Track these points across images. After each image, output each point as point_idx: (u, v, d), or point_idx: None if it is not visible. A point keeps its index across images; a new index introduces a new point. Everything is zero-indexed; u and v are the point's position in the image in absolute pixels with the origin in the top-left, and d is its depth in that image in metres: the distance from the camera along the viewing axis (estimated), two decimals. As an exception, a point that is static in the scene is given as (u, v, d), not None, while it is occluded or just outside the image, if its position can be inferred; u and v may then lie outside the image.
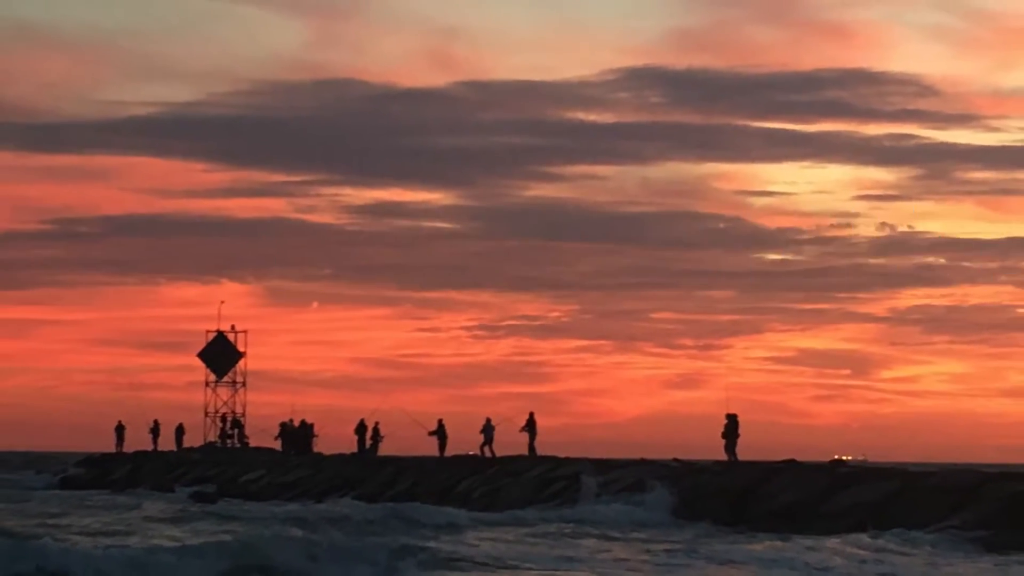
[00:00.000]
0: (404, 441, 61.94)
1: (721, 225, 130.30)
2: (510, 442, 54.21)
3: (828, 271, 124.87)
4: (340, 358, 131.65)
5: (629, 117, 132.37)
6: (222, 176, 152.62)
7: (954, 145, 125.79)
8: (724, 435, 46.53)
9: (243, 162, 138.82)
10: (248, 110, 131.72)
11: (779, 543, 31.76)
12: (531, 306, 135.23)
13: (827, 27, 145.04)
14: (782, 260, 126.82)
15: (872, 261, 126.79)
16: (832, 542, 31.64)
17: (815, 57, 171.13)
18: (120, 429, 74.25)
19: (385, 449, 62.24)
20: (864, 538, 32.58)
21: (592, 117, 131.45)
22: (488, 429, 54.72)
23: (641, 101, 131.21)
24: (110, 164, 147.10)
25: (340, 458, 61.40)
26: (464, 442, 56.80)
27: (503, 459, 52.22)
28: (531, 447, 53.13)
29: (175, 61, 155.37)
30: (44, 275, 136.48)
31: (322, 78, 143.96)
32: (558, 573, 25.95)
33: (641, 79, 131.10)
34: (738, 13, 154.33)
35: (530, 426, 53.54)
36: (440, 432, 57.31)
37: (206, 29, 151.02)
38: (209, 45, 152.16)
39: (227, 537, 28.62)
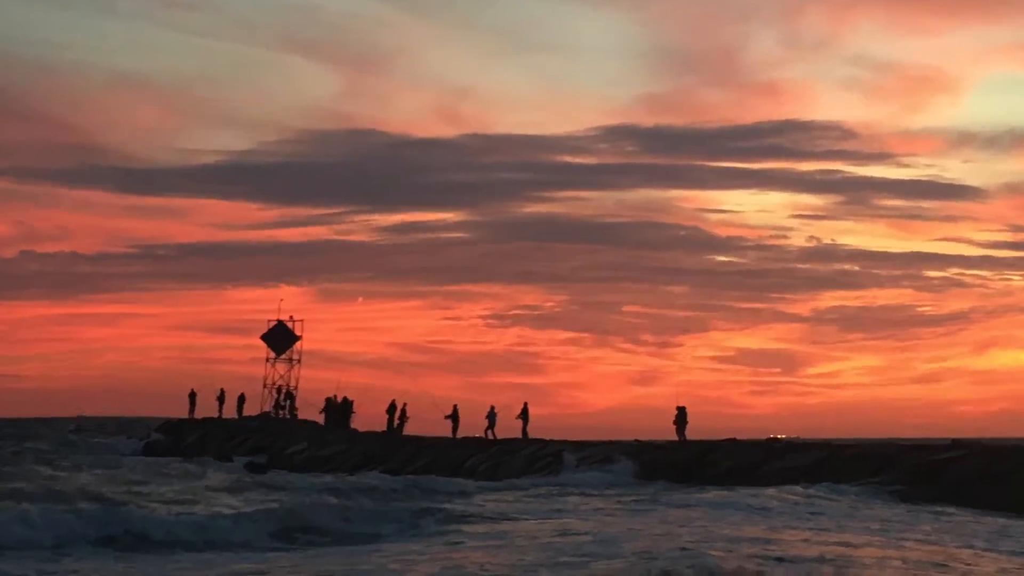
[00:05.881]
0: (425, 422, 60.89)
1: (682, 233, 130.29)
2: (508, 427, 54.21)
3: (765, 272, 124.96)
4: (379, 342, 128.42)
5: (609, 163, 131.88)
6: (273, 212, 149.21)
7: (871, 178, 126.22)
8: (675, 422, 46.76)
9: (289, 200, 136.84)
10: (292, 156, 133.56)
11: (725, 492, 31.45)
12: (531, 296, 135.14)
13: (762, 87, 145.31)
14: (729, 261, 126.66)
15: (800, 266, 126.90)
16: (770, 491, 31.25)
17: (755, 112, 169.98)
18: (192, 396, 71.87)
19: (409, 429, 61.24)
20: (797, 488, 32.24)
21: (578, 161, 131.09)
22: (492, 416, 54.63)
23: (618, 151, 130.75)
24: (185, 204, 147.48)
25: (371, 436, 60.20)
26: (472, 426, 56.28)
27: (502, 440, 51.82)
28: (524, 431, 53.12)
29: (234, 110, 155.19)
30: (129, 284, 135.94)
31: (351, 128, 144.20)
32: (550, 520, 25.45)
33: (618, 134, 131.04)
34: (693, 80, 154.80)
35: (524, 415, 53.73)
36: (454, 416, 56.96)
37: (257, 80, 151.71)
38: (260, 96, 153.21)
39: (274, 504, 28.01)
